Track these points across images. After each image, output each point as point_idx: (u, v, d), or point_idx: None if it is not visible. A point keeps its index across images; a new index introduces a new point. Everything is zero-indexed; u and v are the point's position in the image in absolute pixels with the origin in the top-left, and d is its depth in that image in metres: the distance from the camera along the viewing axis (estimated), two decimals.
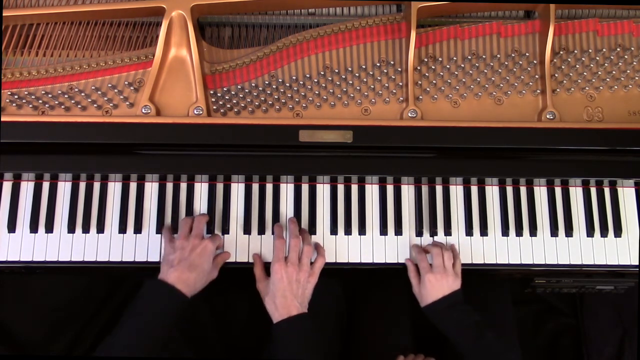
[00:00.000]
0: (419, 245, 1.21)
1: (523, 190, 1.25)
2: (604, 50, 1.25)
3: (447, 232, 1.22)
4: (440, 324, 1.13)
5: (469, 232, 1.22)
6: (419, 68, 1.23)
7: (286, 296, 1.08)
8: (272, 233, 1.20)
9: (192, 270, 1.07)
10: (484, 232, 1.22)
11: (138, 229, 1.19)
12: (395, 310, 1.33)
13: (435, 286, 1.13)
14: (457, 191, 1.24)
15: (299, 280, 1.10)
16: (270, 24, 1.27)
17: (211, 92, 1.20)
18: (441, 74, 1.23)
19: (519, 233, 1.22)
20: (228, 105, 1.19)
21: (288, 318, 1.07)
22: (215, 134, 1.14)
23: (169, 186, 1.22)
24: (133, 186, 1.21)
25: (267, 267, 1.19)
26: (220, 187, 1.22)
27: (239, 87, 1.21)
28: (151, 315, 1.03)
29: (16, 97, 1.16)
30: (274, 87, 1.20)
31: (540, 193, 1.25)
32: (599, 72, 1.24)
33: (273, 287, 1.10)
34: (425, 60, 1.24)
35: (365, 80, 1.21)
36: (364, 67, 1.21)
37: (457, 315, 1.12)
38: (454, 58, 1.23)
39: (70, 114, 1.17)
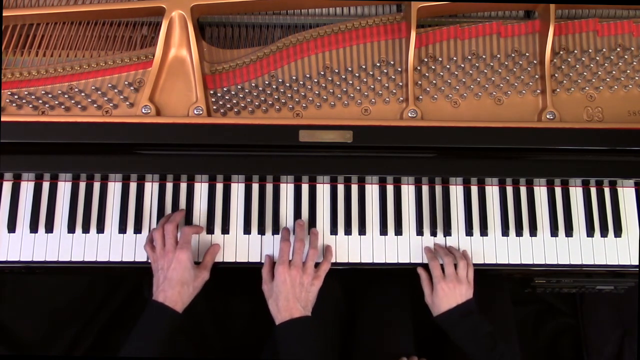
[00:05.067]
0: (431, 249, 1.19)
1: (523, 190, 1.24)
2: (604, 50, 1.25)
3: (447, 232, 1.22)
4: (453, 333, 1.12)
5: (469, 232, 1.22)
6: (419, 68, 1.23)
7: (289, 299, 1.08)
8: (272, 233, 1.20)
9: (173, 286, 1.07)
10: (484, 232, 1.22)
11: (138, 229, 1.19)
12: (396, 313, 1.33)
13: (448, 295, 1.11)
14: (457, 191, 1.24)
15: (303, 283, 1.10)
16: (270, 24, 1.27)
17: (211, 92, 1.20)
18: (441, 74, 1.23)
19: (519, 233, 1.22)
20: (228, 105, 1.19)
21: (289, 320, 1.07)
22: (215, 134, 1.14)
23: (169, 186, 1.22)
24: (133, 186, 1.21)
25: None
26: (220, 187, 1.22)
27: (239, 87, 1.21)
28: (146, 335, 1.06)
29: (16, 97, 1.16)
30: (274, 87, 1.20)
31: (540, 193, 1.24)
32: (599, 72, 1.24)
33: (276, 289, 1.10)
34: (425, 60, 1.24)
35: (365, 80, 1.21)
36: (364, 67, 1.21)
37: (470, 325, 1.11)
38: (454, 58, 1.23)
39: (70, 114, 1.17)
